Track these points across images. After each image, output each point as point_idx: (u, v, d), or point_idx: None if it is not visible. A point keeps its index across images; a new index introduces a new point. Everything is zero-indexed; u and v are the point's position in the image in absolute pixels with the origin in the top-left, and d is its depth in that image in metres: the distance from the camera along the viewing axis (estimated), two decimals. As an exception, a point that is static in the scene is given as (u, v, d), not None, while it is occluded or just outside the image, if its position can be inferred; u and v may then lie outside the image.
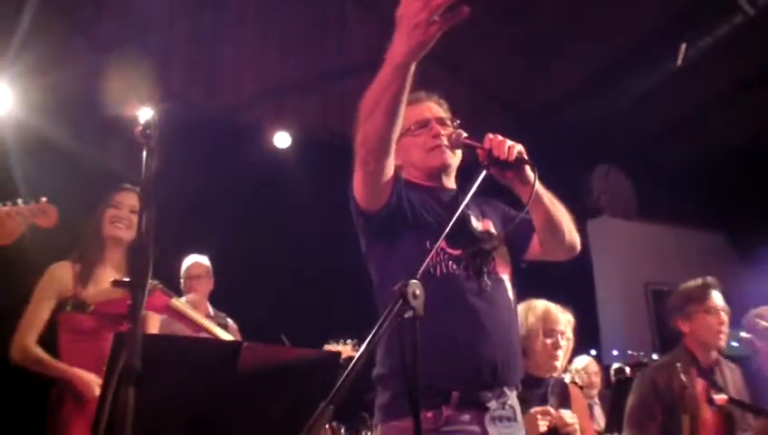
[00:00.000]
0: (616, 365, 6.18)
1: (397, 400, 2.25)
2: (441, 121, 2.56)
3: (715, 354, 3.73)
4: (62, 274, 3.47)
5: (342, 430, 4.78)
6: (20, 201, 3.06)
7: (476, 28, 6.78)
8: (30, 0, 5.54)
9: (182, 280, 4.95)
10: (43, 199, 3.09)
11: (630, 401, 3.74)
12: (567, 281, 4.90)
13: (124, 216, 3.53)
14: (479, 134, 2.36)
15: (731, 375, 3.74)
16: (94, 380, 3.22)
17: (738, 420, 3.54)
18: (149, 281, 2.61)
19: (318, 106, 7.20)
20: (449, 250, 2.34)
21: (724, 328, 3.70)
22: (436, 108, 2.62)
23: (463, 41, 7.01)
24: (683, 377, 3.51)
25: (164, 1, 6.14)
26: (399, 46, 1.90)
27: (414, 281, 1.66)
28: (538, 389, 3.30)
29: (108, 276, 3.43)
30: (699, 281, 3.85)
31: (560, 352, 3.37)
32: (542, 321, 3.39)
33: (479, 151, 2.28)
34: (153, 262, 1.57)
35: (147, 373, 1.44)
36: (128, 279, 1.63)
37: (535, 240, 2.55)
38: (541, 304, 3.46)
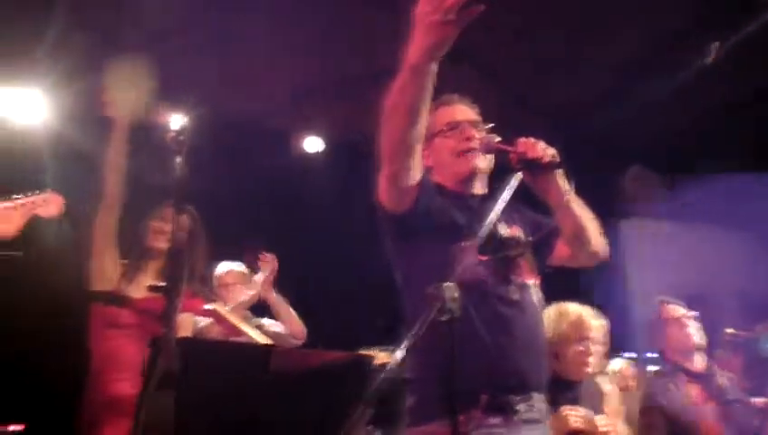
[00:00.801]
0: (652, 368, 6.04)
1: (425, 403, 2.25)
2: (473, 124, 2.54)
3: (701, 358, 3.83)
4: (115, 263, 3.58)
5: (377, 434, 4.77)
6: (21, 195, 3.13)
7: (506, 28, 6.77)
8: (61, 8, 5.62)
9: (215, 288, 4.94)
10: (47, 190, 3.17)
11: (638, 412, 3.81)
12: (601, 283, 4.88)
13: (167, 229, 3.58)
14: (509, 136, 2.35)
15: (729, 384, 3.80)
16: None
17: (741, 421, 3.58)
18: (192, 285, 2.65)
19: (348, 110, 7.21)
20: (477, 256, 2.31)
21: (691, 329, 3.84)
22: (468, 110, 2.59)
23: (492, 40, 7.00)
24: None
25: (194, 8, 6.19)
26: (416, 46, 1.91)
27: (450, 284, 1.66)
28: (569, 392, 3.29)
29: (147, 281, 3.47)
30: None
31: (591, 359, 3.38)
32: (574, 327, 3.39)
33: (511, 156, 2.26)
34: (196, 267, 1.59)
35: (183, 376, 1.45)
36: (163, 284, 1.65)
37: (560, 245, 2.54)
38: (574, 310, 3.45)
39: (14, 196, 3.17)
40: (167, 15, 6.20)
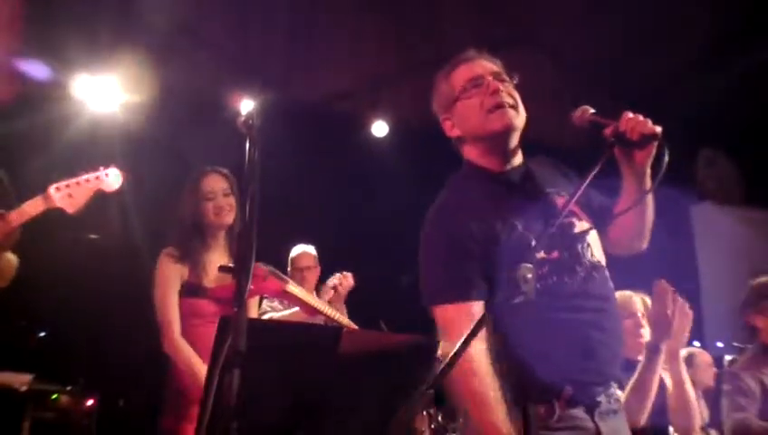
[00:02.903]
0: (729, 357, 5.70)
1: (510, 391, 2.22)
2: (498, 76, 2.29)
3: None
4: (176, 260, 3.56)
5: (440, 417, 4.79)
6: (84, 172, 3.23)
7: (578, 12, 6.67)
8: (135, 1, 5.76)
9: (289, 270, 5.02)
10: (102, 168, 3.26)
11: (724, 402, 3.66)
12: (670, 269, 4.78)
13: (222, 203, 3.58)
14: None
15: None
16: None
17: None
18: (263, 267, 2.68)
19: (414, 94, 7.22)
20: (543, 255, 2.14)
21: None
22: (488, 64, 2.34)
23: (563, 25, 6.91)
24: None
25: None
26: None
27: (525, 265, 1.62)
28: (631, 371, 3.24)
29: (215, 262, 3.51)
30: None
31: (644, 331, 3.34)
32: (619, 305, 3.36)
33: (607, 129, 2.12)
34: (256, 249, 1.62)
35: (250, 357, 1.49)
36: (232, 265, 1.69)
37: (612, 229, 2.36)
38: None
39: (80, 173, 3.27)
40: (238, 8, 6.31)
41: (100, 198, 3.43)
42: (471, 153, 2.36)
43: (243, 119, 1.79)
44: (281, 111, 5.73)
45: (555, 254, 2.17)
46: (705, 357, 5.43)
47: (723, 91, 6.90)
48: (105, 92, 5.91)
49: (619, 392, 2.30)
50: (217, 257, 3.57)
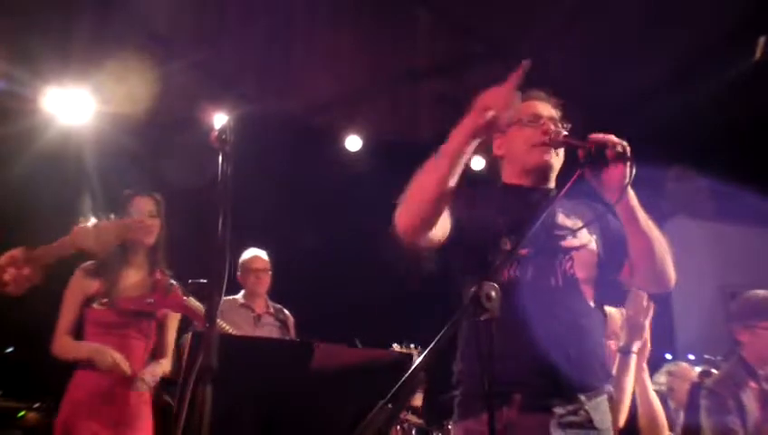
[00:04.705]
0: (699, 368, 5.63)
1: (467, 400, 2.25)
2: (554, 121, 2.47)
3: None
4: (88, 274, 3.76)
5: (413, 432, 4.78)
6: (113, 216, 3.17)
7: (550, 27, 6.71)
8: (109, 11, 5.72)
9: (240, 271, 4.97)
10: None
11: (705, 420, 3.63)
12: (641, 283, 4.80)
13: (146, 223, 3.76)
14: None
15: None
16: (111, 351, 3.54)
17: None
18: (171, 281, 2.72)
19: (388, 110, 7.22)
20: (509, 248, 2.21)
21: None
22: (551, 109, 2.53)
23: (537, 41, 6.95)
24: None
25: (237, 8, 6.25)
26: (462, 130, 2.05)
27: (489, 283, 1.63)
28: None
29: (131, 277, 3.76)
30: None
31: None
32: None
33: (579, 150, 2.19)
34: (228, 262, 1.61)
35: (223, 372, 1.48)
36: (203, 281, 1.68)
37: (629, 262, 2.41)
38: None
39: (109, 216, 3.18)
40: (212, 20, 6.29)
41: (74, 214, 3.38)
42: (507, 172, 2.55)
43: (216, 134, 1.78)
44: (254, 124, 5.71)
45: (524, 251, 2.25)
46: (687, 371, 5.31)
47: (693, 105, 6.98)
48: (76, 106, 5.86)
49: (596, 407, 2.23)
50: (134, 273, 3.79)
